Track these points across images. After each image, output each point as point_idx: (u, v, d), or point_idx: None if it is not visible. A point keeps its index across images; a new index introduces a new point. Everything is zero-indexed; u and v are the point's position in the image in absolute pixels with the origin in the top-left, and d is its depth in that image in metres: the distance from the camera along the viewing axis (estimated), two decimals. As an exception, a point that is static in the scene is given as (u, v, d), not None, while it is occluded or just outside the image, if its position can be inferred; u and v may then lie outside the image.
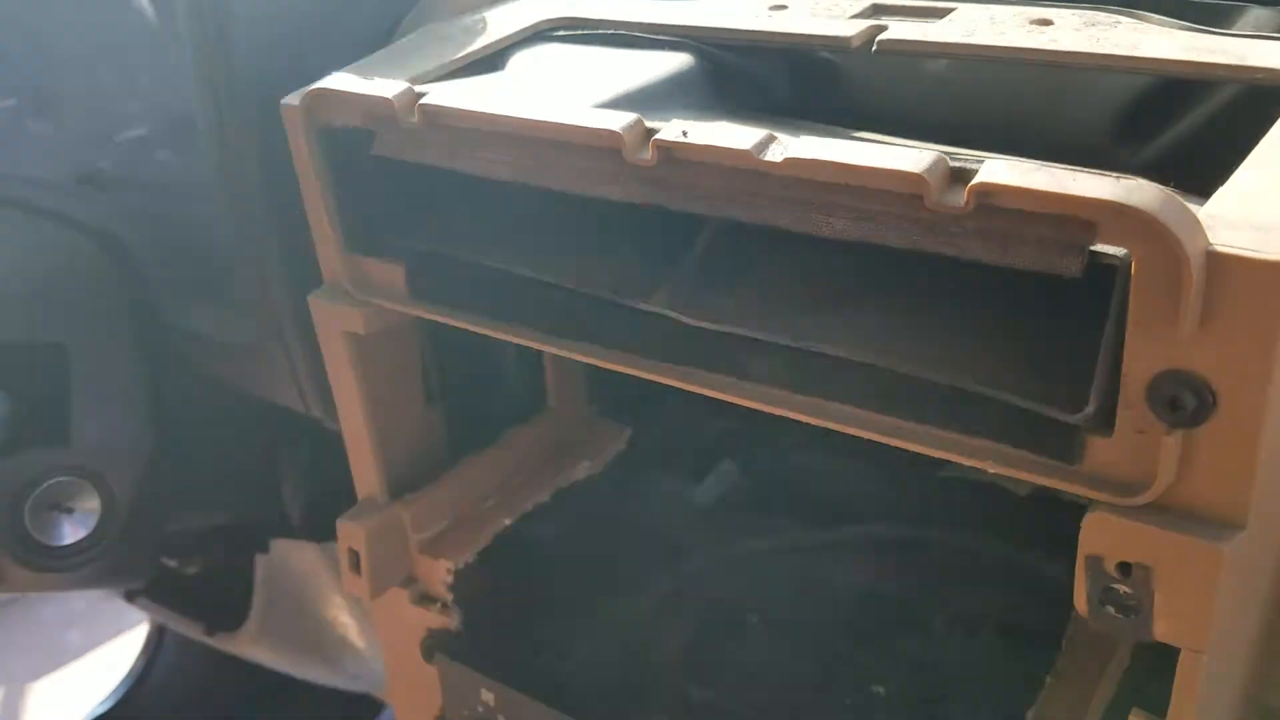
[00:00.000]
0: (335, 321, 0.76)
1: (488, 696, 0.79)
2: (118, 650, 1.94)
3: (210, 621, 1.20)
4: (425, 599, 0.84)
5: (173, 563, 1.24)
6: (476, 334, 0.89)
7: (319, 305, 0.76)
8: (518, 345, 0.89)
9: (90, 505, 0.97)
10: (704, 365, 0.61)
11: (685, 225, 0.61)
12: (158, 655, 2.06)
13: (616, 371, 0.99)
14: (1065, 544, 0.84)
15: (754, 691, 0.78)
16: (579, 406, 0.95)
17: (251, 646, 1.19)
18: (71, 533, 0.96)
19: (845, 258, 0.56)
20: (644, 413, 0.96)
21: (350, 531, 0.81)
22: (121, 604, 2.73)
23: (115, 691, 2.00)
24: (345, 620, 1.13)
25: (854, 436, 0.95)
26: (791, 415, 0.58)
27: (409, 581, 0.84)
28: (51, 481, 0.95)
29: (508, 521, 0.85)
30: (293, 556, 1.08)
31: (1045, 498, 0.93)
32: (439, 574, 0.82)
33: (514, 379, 0.91)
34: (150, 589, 1.23)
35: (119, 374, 0.96)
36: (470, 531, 0.85)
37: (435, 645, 0.82)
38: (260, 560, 1.10)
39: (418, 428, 0.85)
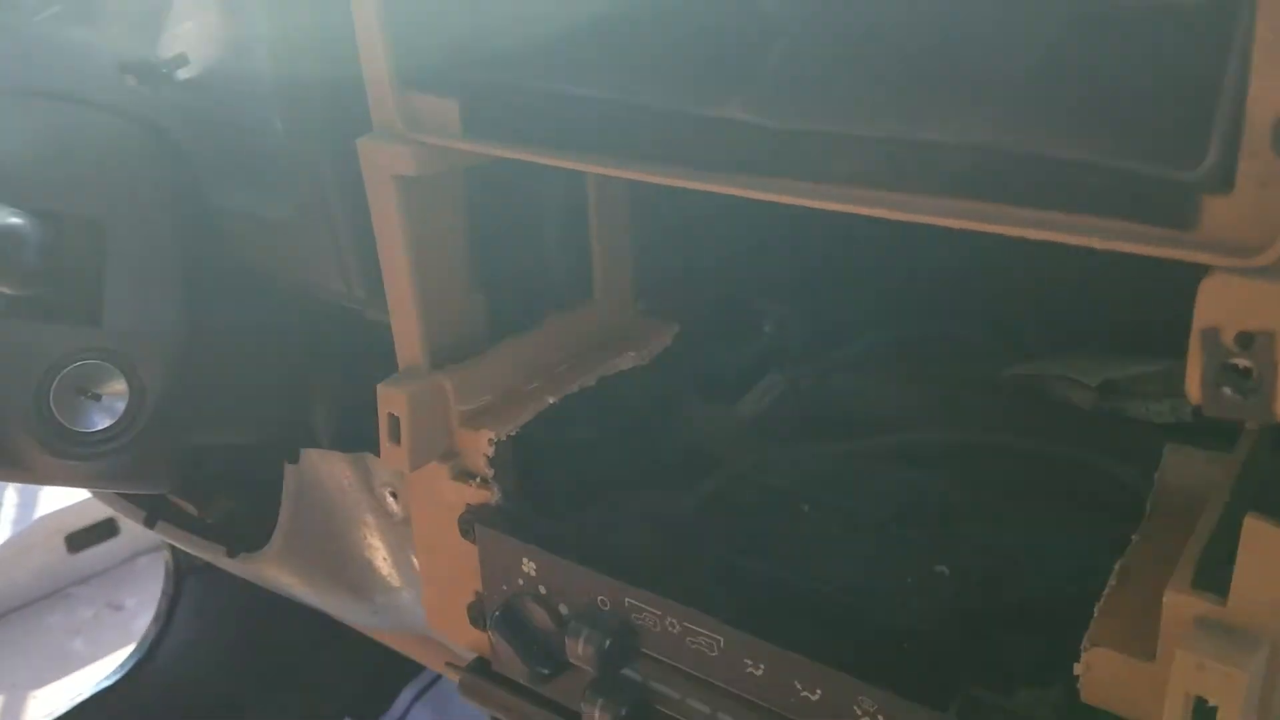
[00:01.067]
0: (385, 164, 0.73)
1: (529, 566, 0.75)
2: (122, 660, 1.90)
3: (233, 542, 1.16)
4: (464, 474, 0.81)
5: (193, 507, 1.20)
6: (521, 217, 0.87)
7: (368, 148, 0.74)
8: (563, 231, 0.87)
9: (118, 391, 0.94)
10: (785, 172, 0.58)
11: (755, 41, 0.59)
12: (166, 634, 2.03)
13: (664, 264, 0.96)
14: (1128, 452, 0.81)
15: (811, 566, 0.74)
16: (625, 301, 0.91)
17: (275, 567, 1.15)
18: (97, 420, 0.93)
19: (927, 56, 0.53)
20: (690, 314, 0.93)
21: (391, 396, 0.77)
22: (126, 614, 2.70)
23: (121, 667, 1.97)
24: (374, 542, 1.09)
25: (906, 357, 0.91)
26: (880, 214, 0.55)
27: (449, 455, 0.81)
28: (79, 363, 0.92)
29: (551, 400, 0.82)
30: (323, 469, 1.05)
31: (1106, 411, 0.89)
32: (480, 446, 0.79)
33: (558, 266, 0.88)
34: (171, 510, 1.20)
35: (157, 258, 0.93)
36: (513, 407, 0.81)
37: (475, 518, 0.78)
38: (290, 472, 1.07)
39: (461, 301, 0.82)
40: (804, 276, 1.02)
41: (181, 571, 1.99)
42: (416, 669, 2.10)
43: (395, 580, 1.11)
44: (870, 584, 0.72)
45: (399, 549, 1.08)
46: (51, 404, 0.91)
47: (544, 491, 0.81)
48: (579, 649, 0.71)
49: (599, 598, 0.72)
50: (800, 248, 1.01)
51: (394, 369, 0.81)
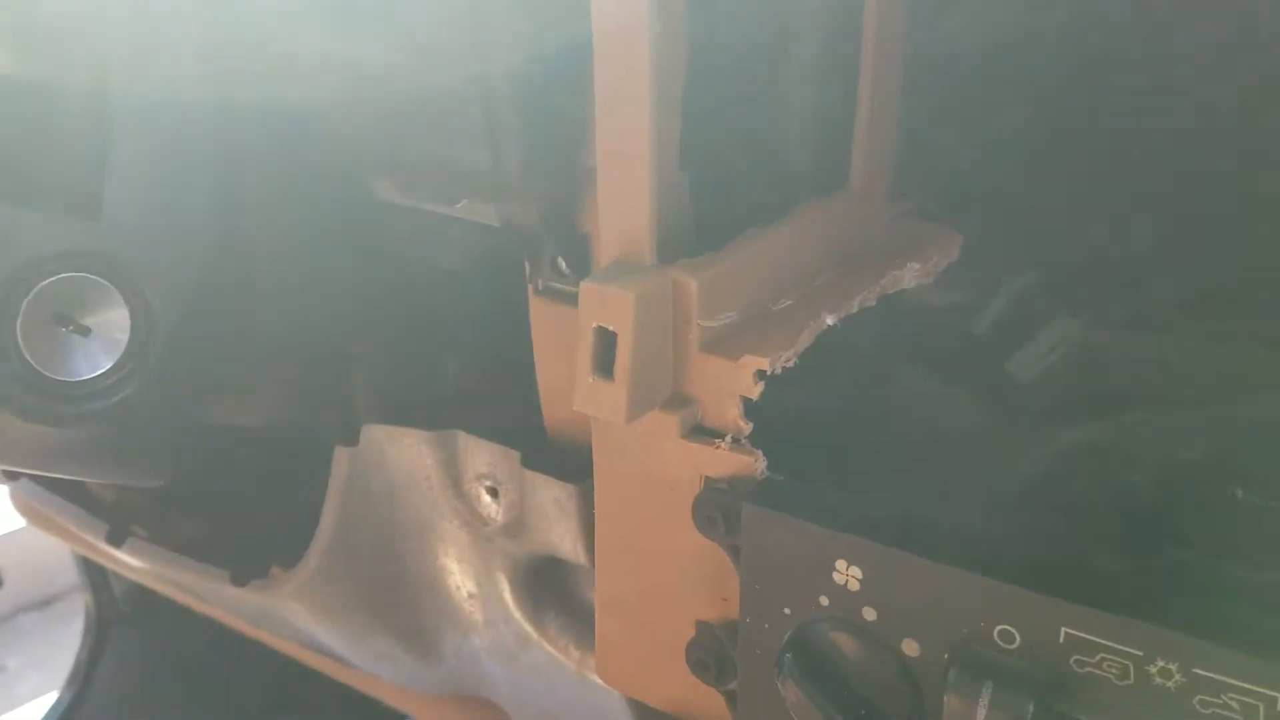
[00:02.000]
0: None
1: (847, 575, 0.46)
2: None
3: (240, 566, 0.84)
4: (701, 432, 0.51)
5: (195, 528, 0.88)
6: (755, 55, 0.58)
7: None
8: (819, 92, 0.59)
9: (115, 322, 0.62)
10: None
11: None
12: (83, 699, 1.64)
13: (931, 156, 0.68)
14: None
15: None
16: (883, 197, 0.63)
17: (299, 601, 0.82)
18: (84, 363, 0.62)
19: None
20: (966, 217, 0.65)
21: (609, 297, 0.48)
22: (9, 676, 2.31)
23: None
24: (450, 564, 0.78)
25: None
26: None
27: (678, 402, 0.51)
28: (61, 276, 0.60)
29: (831, 320, 0.53)
30: (391, 454, 0.74)
31: None
32: (737, 384, 0.49)
33: (807, 136, 0.59)
34: (159, 530, 0.87)
35: (186, 135, 0.63)
36: (773, 329, 0.52)
37: (737, 497, 0.49)
38: (341, 461, 0.75)
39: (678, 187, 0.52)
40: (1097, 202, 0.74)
41: (106, 621, 1.62)
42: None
43: (477, 617, 0.79)
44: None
45: (487, 574, 0.77)
46: (18, 337, 0.60)
47: (824, 448, 0.52)
48: (978, 716, 0.42)
49: (997, 627, 0.43)
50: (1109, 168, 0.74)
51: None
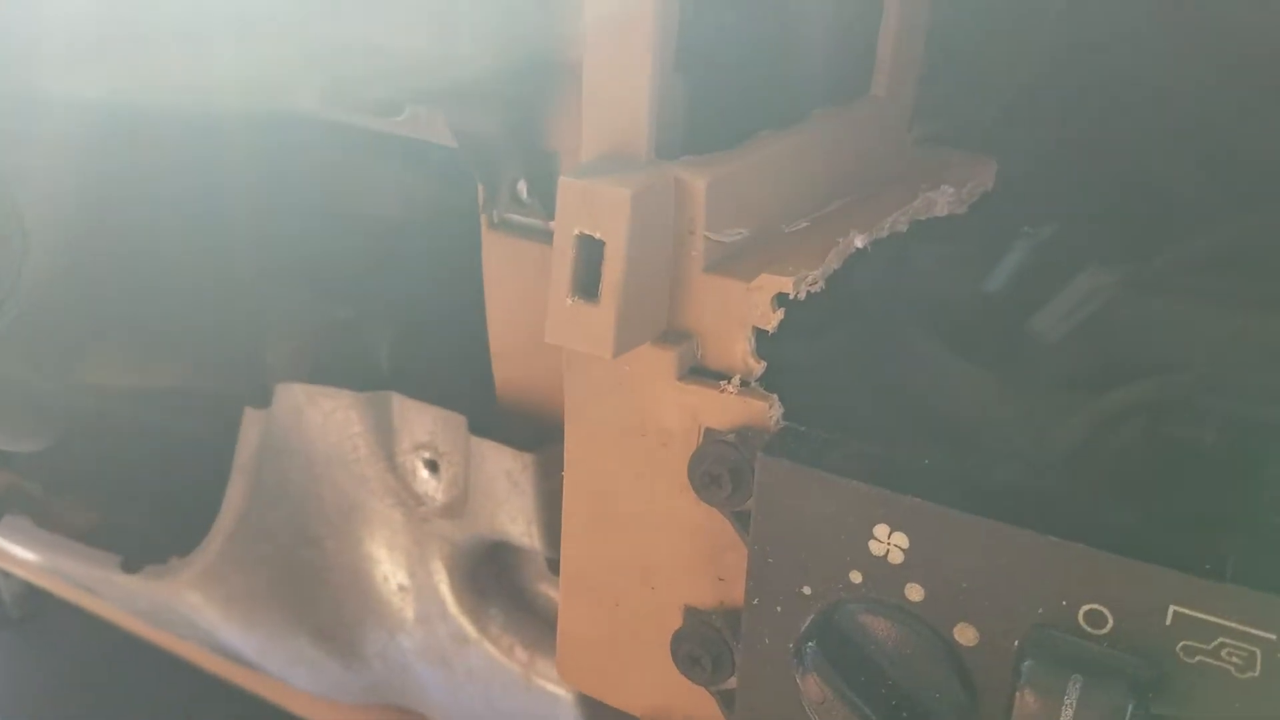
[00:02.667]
0: None
1: (890, 543, 0.37)
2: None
3: (133, 552, 0.72)
4: (702, 373, 0.42)
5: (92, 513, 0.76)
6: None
7: None
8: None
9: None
10: None
11: None
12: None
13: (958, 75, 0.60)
14: None
15: None
16: (907, 111, 0.54)
17: (196, 591, 0.71)
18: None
19: None
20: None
21: (595, 196, 0.38)
22: None
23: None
24: (377, 551, 0.67)
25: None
26: None
27: (675, 336, 0.42)
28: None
29: (860, 243, 0.44)
30: (312, 419, 0.63)
31: None
32: (751, 312, 0.40)
33: (824, 40, 0.50)
34: (46, 510, 0.75)
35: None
36: (793, 249, 0.43)
37: (754, 445, 0.39)
38: (251, 426, 0.64)
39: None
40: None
41: (-9, 626, 1.49)
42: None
43: (407, 614, 0.69)
44: None
45: (422, 563, 0.67)
46: None
47: (843, 390, 0.43)
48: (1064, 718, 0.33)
49: (1085, 607, 0.34)
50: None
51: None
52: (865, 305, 0.53)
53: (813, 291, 0.41)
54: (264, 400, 0.64)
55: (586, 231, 0.39)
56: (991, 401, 0.51)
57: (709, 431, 0.41)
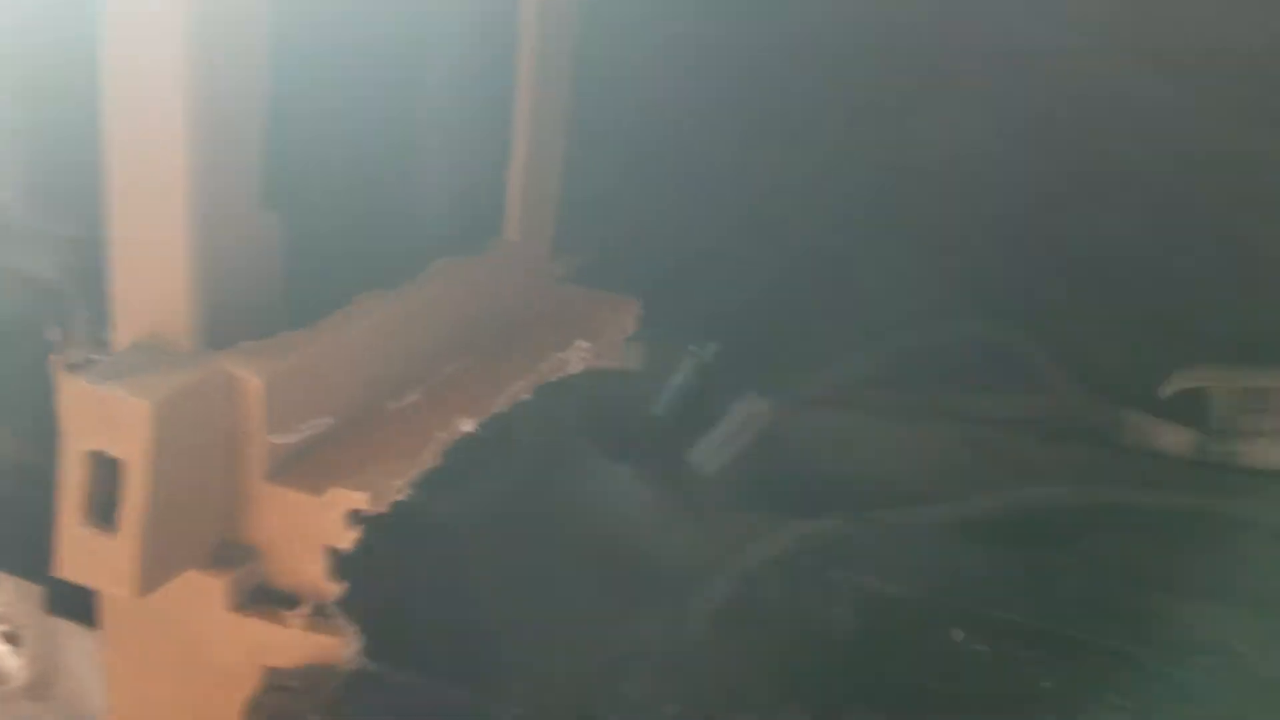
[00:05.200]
0: None
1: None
2: None
3: None
4: (265, 599, 0.35)
5: None
6: (385, 65, 0.42)
7: None
8: (461, 111, 0.44)
9: None
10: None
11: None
12: None
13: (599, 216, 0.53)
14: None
15: None
16: (543, 256, 0.49)
17: None
18: None
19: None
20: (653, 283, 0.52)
21: (109, 406, 0.31)
22: None
23: None
24: None
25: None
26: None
27: (233, 557, 0.34)
28: None
29: (467, 427, 0.38)
30: None
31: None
32: (325, 528, 0.33)
33: (447, 181, 0.44)
34: None
35: None
36: (392, 436, 0.36)
37: (301, 701, 0.33)
38: None
39: (242, 224, 0.36)
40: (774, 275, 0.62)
41: None
42: None
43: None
44: None
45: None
46: None
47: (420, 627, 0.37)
48: None
49: None
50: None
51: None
52: (520, 443, 0.47)
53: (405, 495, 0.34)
54: None
55: (101, 449, 0.31)
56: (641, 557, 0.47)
57: (272, 673, 0.34)
